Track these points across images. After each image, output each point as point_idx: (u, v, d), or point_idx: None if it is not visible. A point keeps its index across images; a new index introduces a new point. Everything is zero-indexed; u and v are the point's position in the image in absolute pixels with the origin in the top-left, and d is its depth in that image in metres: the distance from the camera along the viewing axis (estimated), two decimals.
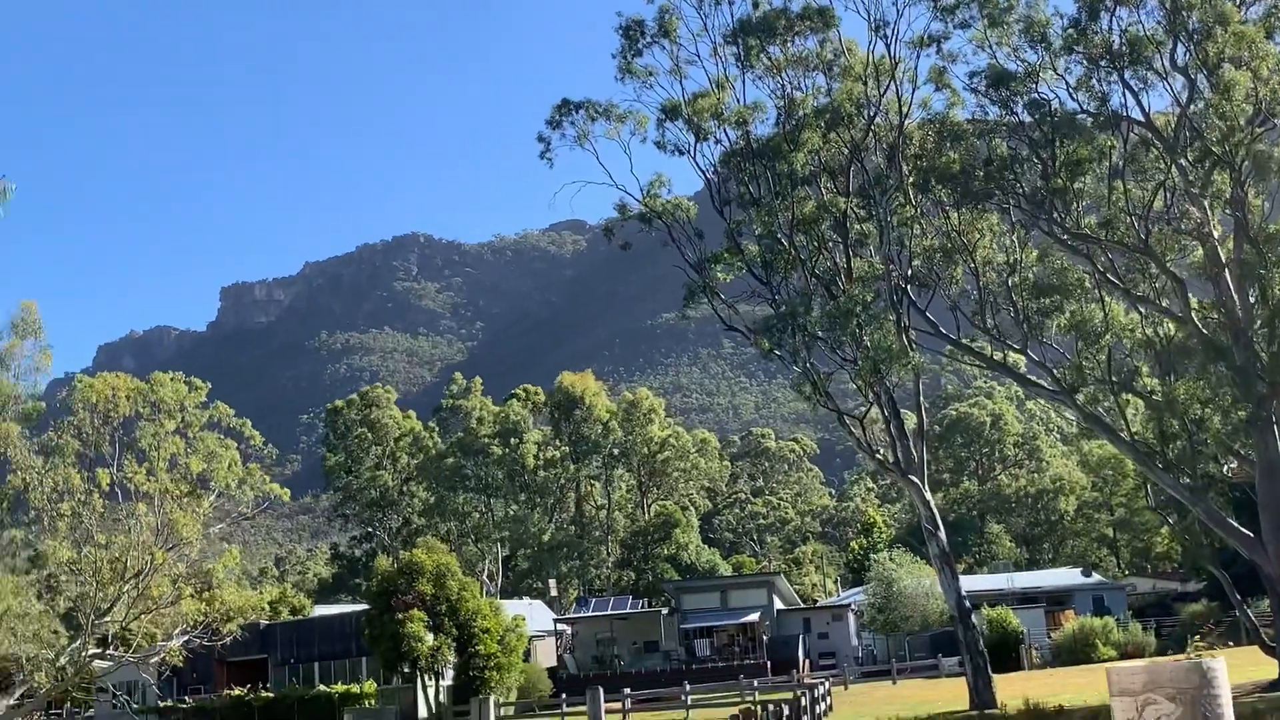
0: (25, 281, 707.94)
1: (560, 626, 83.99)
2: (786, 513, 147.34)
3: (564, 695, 58.95)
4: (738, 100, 47.74)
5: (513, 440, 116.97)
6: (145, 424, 46.69)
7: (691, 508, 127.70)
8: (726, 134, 48.20)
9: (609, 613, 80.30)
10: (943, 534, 48.50)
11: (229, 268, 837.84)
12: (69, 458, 45.09)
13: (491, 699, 48.36)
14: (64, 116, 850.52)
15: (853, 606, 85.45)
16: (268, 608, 67.80)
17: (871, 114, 47.43)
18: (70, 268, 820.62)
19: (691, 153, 47.90)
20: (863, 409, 51.25)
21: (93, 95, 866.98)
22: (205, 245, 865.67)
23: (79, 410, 45.96)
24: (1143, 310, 47.13)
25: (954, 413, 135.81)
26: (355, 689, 62.89)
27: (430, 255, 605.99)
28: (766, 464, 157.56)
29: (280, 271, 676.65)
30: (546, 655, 79.23)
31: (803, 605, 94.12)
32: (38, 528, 46.18)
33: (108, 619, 45.15)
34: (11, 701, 43.63)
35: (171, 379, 48.03)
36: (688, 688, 56.60)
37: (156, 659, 49.22)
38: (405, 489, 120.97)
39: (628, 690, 55.72)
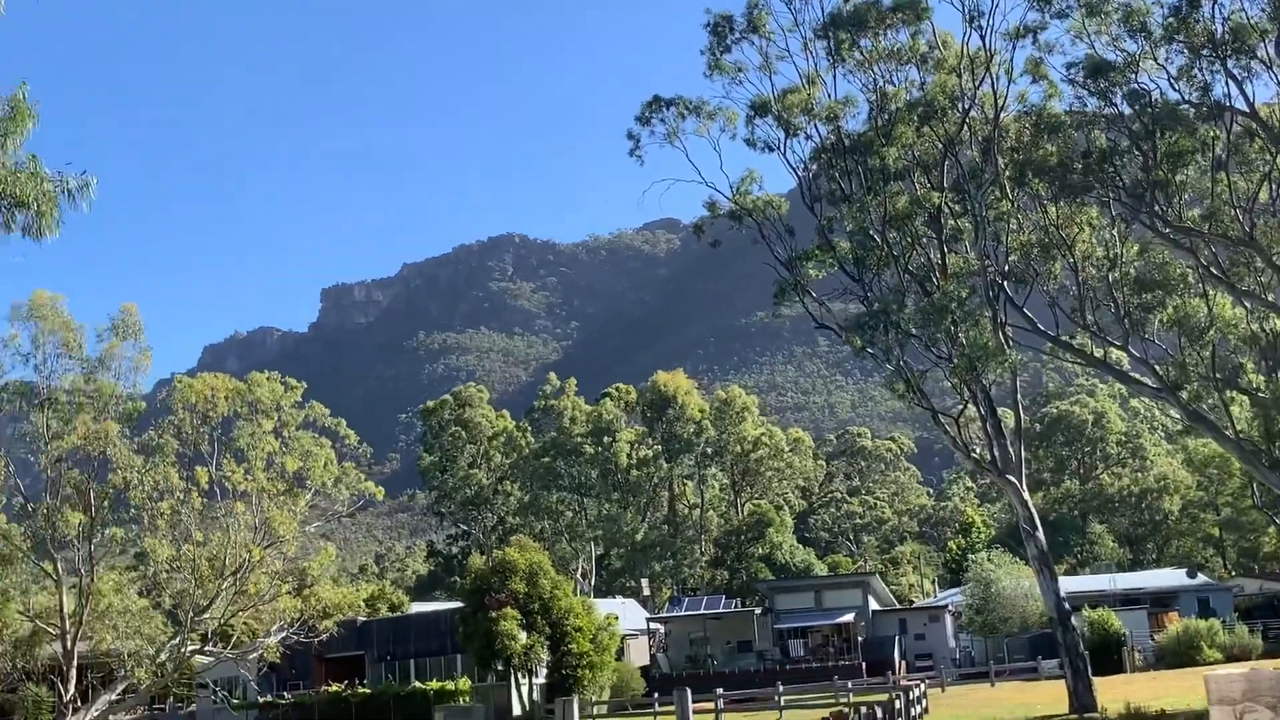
0: (133, 284, 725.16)
1: (653, 626, 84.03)
2: (883, 512, 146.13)
3: (656, 695, 58.94)
4: (828, 95, 47.36)
5: (605, 439, 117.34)
6: (243, 424, 47.50)
7: (786, 507, 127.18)
8: (817, 129, 47.86)
9: (702, 612, 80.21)
10: (1041, 535, 47.69)
11: (330, 269, 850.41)
12: (168, 457, 46.00)
13: (575, 700, 48.44)
14: (172, 120, 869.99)
15: (950, 607, 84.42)
16: (364, 604, 68.58)
17: (966, 107, 46.74)
18: (177, 270, 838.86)
19: (781, 149, 47.66)
20: (958, 407, 50.54)
21: (200, 97, 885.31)
22: (307, 247, 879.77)
23: (178, 410, 46.86)
24: (1248, 305, 45.93)
25: (1055, 411, 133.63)
26: (450, 686, 63.41)
27: (525, 255, 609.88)
28: (863, 463, 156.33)
29: (379, 273, 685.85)
30: (640, 654, 79.35)
31: (899, 606, 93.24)
32: (137, 526, 47.19)
33: (207, 615, 45.99)
34: (113, 697, 44.62)
35: (268, 379, 48.83)
36: (781, 688, 56.30)
37: (255, 655, 50.08)
38: (499, 488, 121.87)
39: (720, 690, 55.51)
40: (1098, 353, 48.67)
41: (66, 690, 43.00)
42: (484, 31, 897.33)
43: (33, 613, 44.78)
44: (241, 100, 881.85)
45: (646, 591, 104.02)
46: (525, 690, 61.53)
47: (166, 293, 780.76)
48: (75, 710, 43.12)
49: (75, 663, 43.88)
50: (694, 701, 48.16)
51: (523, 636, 58.47)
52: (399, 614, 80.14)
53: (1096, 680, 46.17)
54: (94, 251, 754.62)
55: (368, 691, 65.72)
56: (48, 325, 43.07)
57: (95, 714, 43.56)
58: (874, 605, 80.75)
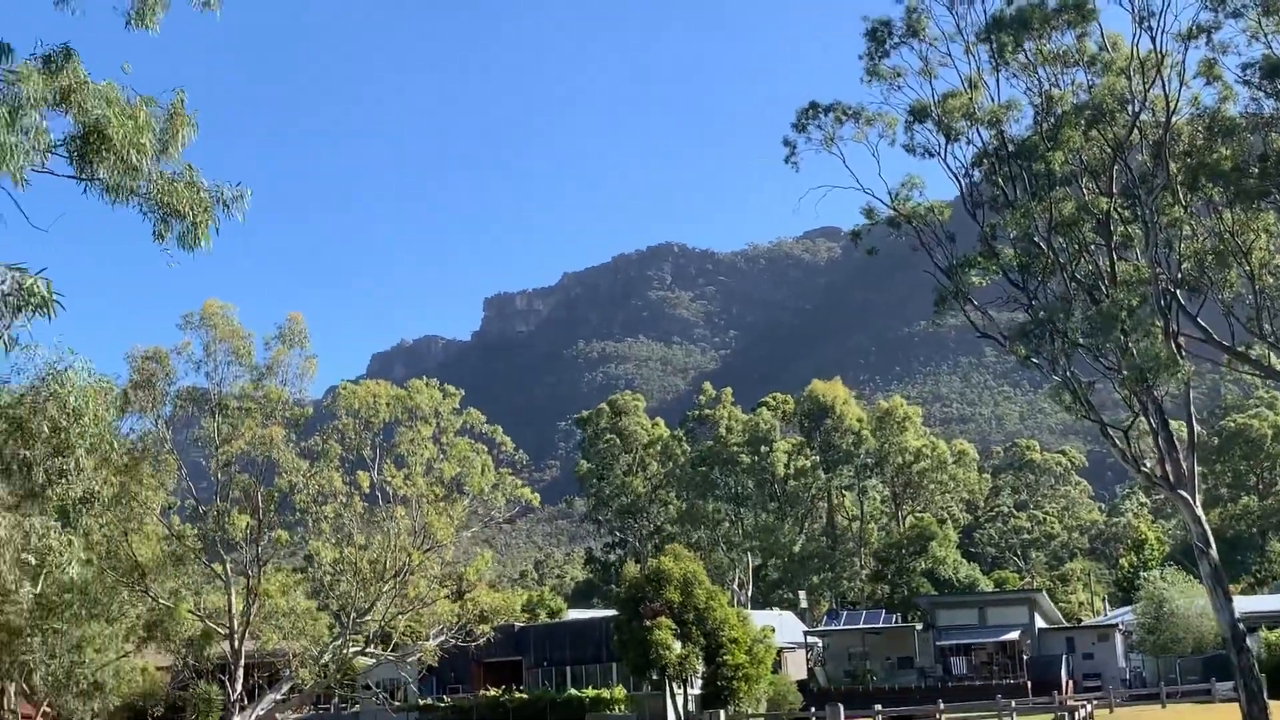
0: (303, 292, 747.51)
1: (811, 639, 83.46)
2: (1052, 528, 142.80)
3: (813, 709, 58.59)
4: (991, 99, 46.48)
5: (762, 449, 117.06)
6: (403, 430, 48.74)
7: (949, 521, 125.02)
8: (979, 134, 46.98)
9: (861, 626, 79.41)
10: (1214, 552, 46.01)
11: (493, 278, 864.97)
12: (332, 461, 47.44)
13: (722, 714, 48.46)
14: (344, 129, 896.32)
15: (1121, 626, 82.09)
16: (521, 610, 69.60)
17: (1136, 110, 45.40)
18: (347, 279, 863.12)
19: (942, 154, 46.91)
20: (1128, 420, 49.06)
21: (364, 109, 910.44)
22: (471, 257, 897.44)
23: (342, 416, 48.32)
24: None
25: (1233, 424, 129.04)
26: (605, 694, 63.92)
27: (684, 264, 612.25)
28: (1031, 477, 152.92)
29: (540, 282, 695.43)
30: (797, 668, 78.91)
31: (1066, 624, 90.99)
32: (302, 529, 48.76)
33: (369, 618, 47.25)
34: (279, 696, 46.11)
35: (427, 385, 50.02)
36: (941, 706, 55.45)
37: (414, 658, 51.26)
38: (655, 496, 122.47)
39: (879, 707, 54.92)
40: (1277, 364, 46.81)
41: (234, 688, 44.59)
42: (648, 41, 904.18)
43: (204, 612, 46.52)
44: (412, 110, 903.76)
45: (804, 604, 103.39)
46: (680, 701, 61.65)
47: (337, 302, 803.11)
48: (242, 708, 44.67)
49: (242, 661, 45.47)
50: (852, 718, 47.75)
51: (677, 646, 58.62)
52: (556, 620, 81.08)
53: (1273, 704, 44.39)
54: (265, 260, 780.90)
55: (525, 696, 66.63)
56: (218, 333, 44.80)
57: (261, 712, 45.06)
58: (1040, 623, 78.95)
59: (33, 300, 14.11)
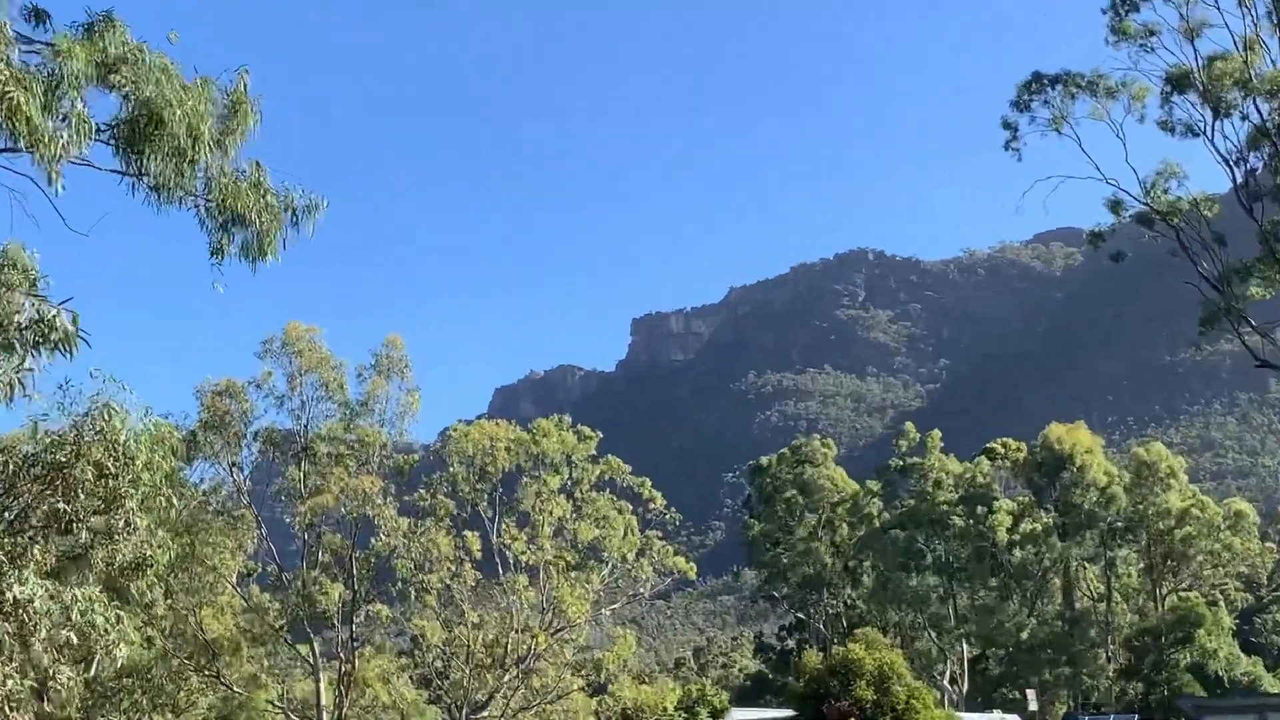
0: (413, 316, 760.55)
1: None
2: None
3: None
4: (1272, 64, 45.34)
5: (980, 509, 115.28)
6: (527, 481, 49.06)
7: (1222, 602, 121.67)
8: (1255, 108, 45.83)
9: None
10: None
11: (642, 296, 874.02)
12: (442, 520, 47.87)
13: None
14: (471, 135, 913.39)
15: None
16: (676, 708, 69.48)
17: None
18: (466, 300, 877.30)
19: (1208, 133, 45.92)
20: None
21: (494, 118, 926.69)
22: (616, 269, 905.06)
23: (453, 463, 48.81)
24: None
25: None
26: None
27: (881, 276, 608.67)
28: None
29: (700, 299, 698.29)
30: None
31: None
32: (405, 603, 49.27)
33: (486, 713, 47.59)
34: None
35: (558, 426, 50.25)
36: None
37: None
38: (845, 566, 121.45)
39: None
40: None
41: None
42: (822, 23, 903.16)
43: (288, 704, 47.19)
44: (542, 109, 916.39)
45: (1033, 705, 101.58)
46: None
47: (453, 326, 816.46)
48: None
49: None
50: None
51: None
52: None
53: None
54: (359, 279, 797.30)
55: None
56: (304, 361, 45.54)
57: None
58: None
59: (54, 335, 14.31)
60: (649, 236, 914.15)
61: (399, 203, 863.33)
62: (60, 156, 14.01)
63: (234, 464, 45.67)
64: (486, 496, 48.66)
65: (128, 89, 14.90)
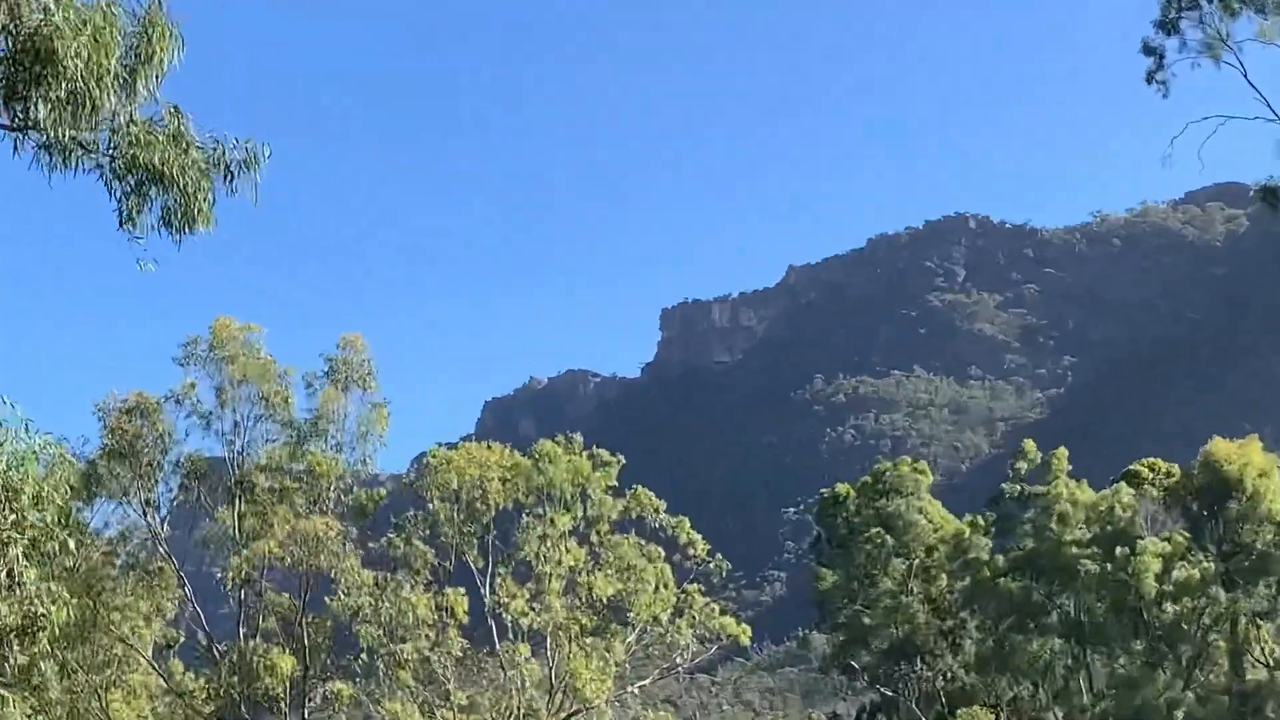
0: (382, 315, 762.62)
1: None
2: None
3: None
4: None
5: (1120, 550, 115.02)
6: (529, 521, 48.99)
7: None
8: None
9: None
10: None
11: (675, 280, 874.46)
12: (419, 574, 47.85)
13: None
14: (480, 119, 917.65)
15: None
16: None
17: None
18: (446, 295, 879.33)
19: None
20: None
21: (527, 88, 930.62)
22: (643, 246, 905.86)
23: (433, 500, 48.73)
24: None
25: None
26: None
27: (986, 249, 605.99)
28: None
29: (751, 283, 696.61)
30: None
31: None
32: (369, 681, 49.34)
33: None
34: None
35: (566, 448, 50.14)
36: None
37: None
38: (944, 627, 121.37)
39: None
40: None
41: None
42: None
43: None
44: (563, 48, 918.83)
45: None
46: None
47: (435, 333, 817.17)
48: None
49: None
50: None
51: None
52: None
53: None
54: (317, 270, 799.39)
55: None
56: (237, 369, 45.26)
57: None
58: None
59: None
60: (679, 204, 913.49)
61: (379, 188, 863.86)
62: None
63: (148, 503, 45.73)
64: (476, 542, 48.62)
65: (6, 18, 14.79)
